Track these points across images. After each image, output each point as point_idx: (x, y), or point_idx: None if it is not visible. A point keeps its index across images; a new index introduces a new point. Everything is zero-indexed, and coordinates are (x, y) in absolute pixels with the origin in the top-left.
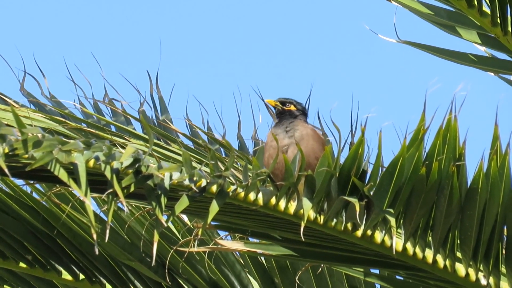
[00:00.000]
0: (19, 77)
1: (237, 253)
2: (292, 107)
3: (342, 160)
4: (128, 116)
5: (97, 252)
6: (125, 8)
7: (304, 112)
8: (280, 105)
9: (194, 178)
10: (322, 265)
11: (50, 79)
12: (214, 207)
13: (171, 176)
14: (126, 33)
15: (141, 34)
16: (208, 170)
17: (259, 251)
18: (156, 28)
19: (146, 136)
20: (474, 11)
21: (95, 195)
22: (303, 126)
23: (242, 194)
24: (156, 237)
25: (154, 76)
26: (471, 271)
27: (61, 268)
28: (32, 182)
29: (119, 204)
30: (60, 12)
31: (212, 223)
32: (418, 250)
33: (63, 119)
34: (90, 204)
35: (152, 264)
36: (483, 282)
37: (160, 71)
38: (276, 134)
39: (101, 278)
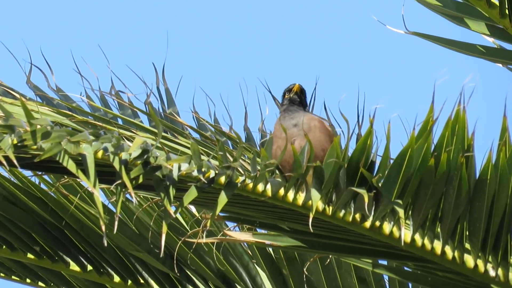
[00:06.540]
0: (26, 70)
1: (245, 244)
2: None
3: (350, 152)
4: (135, 109)
5: (105, 244)
6: (132, 0)
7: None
8: (299, 93)
9: (203, 169)
10: (330, 256)
11: (56, 71)
12: (222, 198)
13: (179, 167)
14: (133, 25)
15: (148, 26)
16: (216, 162)
17: (267, 242)
18: (163, 20)
19: (154, 129)
20: (483, 2)
21: (103, 186)
22: (310, 117)
23: (251, 185)
24: (164, 228)
25: (160, 68)
26: (480, 263)
27: (69, 259)
28: (40, 173)
29: (128, 195)
30: (66, 4)
31: (221, 214)
32: (426, 241)
33: (70, 113)
34: (99, 195)
35: (160, 255)
36: (492, 273)
37: (167, 63)
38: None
39: (109, 269)
